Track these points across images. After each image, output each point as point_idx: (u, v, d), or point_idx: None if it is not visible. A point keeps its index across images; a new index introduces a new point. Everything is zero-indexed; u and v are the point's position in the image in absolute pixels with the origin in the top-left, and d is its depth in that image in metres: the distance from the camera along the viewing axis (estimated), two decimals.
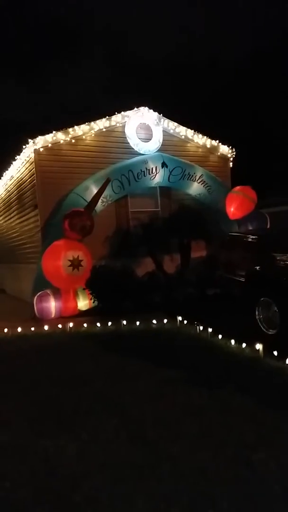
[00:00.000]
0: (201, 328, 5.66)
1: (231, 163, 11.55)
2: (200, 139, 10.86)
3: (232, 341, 4.96)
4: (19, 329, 6.58)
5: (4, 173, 11.19)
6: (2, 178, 11.70)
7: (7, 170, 10.84)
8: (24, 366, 4.82)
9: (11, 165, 10.28)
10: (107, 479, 2.43)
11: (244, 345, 4.80)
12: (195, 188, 10.20)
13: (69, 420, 3.24)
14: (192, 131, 10.69)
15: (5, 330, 6.63)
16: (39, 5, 45.54)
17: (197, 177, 10.10)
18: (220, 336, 5.23)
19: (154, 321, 6.40)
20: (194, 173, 10.07)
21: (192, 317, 6.18)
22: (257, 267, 5.55)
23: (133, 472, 2.48)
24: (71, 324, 6.58)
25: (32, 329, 6.64)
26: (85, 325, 6.62)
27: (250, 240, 6.31)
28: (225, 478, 2.37)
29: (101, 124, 9.48)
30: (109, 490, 2.32)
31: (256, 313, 5.46)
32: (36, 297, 7.68)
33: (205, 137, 10.93)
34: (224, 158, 11.42)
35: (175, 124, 10.45)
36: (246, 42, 43.79)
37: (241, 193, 9.80)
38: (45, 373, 4.47)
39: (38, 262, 8.21)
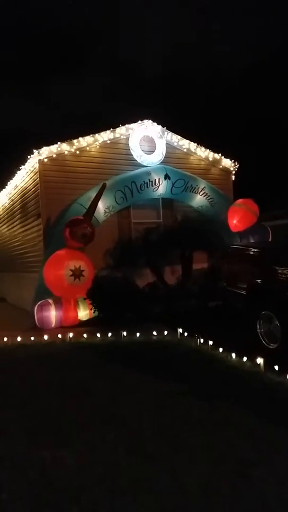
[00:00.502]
0: (202, 340, 5.64)
1: (233, 176, 11.66)
2: (203, 152, 10.99)
3: (233, 355, 4.93)
4: (19, 338, 6.56)
5: (9, 182, 11.32)
6: (6, 187, 11.83)
7: (12, 179, 10.96)
8: (23, 375, 4.79)
9: (16, 174, 10.40)
10: (106, 492, 2.40)
11: (245, 358, 4.77)
12: (198, 200, 10.28)
13: (67, 431, 3.21)
14: (195, 144, 10.83)
15: (5, 339, 6.62)
16: (44, 17, 46.62)
17: (200, 190, 10.19)
18: (221, 349, 5.20)
19: (155, 333, 6.38)
20: (197, 186, 10.16)
21: (192, 329, 6.16)
22: (259, 280, 5.55)
23: (132, 485, 2.45)
24: (71, 334, 6.56)
25: (32, 338, 6.63)
26: (85, 335, 6.60)
27: (252, 252, 6.33)
28: (224, 494, 2.34)
29: (105, 136, 9.62)
30: (108, 503, 2.29)
31: (258, 326, 5.43)
32: (36, 306, 7.68)
33: (208, 150, 11.07)
34: (226, 171, 11.54)
35: (178, 137, 10.59)
36: (247, 53, 44.54)
37: (243, 206, 9.85)
38: (44, 383, 4.44)
39: (39, 271, 8.23)
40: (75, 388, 4.21)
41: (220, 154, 11.26)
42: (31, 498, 2.38)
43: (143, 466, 2.65)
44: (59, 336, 6.66)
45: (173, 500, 2.30)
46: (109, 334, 6.47)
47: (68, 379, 4.54)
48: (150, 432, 3.13)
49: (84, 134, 9.42)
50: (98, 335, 6.52)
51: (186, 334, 6.15)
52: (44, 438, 3.12)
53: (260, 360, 4.50)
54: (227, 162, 11.41)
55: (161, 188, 9.74)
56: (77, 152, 9.34)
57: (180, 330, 6.22)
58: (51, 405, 3.76)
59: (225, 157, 11.36)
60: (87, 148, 9.48)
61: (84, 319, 7.80)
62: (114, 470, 2.63)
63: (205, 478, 2.49)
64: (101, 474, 2.59)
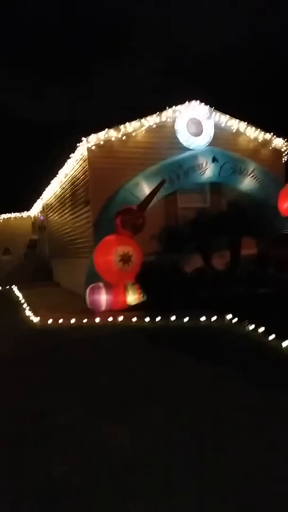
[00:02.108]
0: (251, 327, 5.56)
1: (285, 157, 11.08)
2: (253, 132, 10.54)
3: (285, 342, 4.82)
4: (73, 321, 6.91)
5: (60, 171, 11.72)
6: (57, 176, 12.27)
7: (62, 168, 11.33)
8: (77, 356, 5.07)
9: (66, 163, 10.74)
10: (160, 466, 2.52)
11: None
12: (247, 183, 9.94)
13: (122, 409, 3.38)
14: (245, 124, 10.40)
15: (60, 321, 7.01)
16: (86, 4, 46.52)
17: (249, 172, 9.84)
18: (271, 337, 5.11)
19: (203, 318, 6.39)
20: (246, 168, 9.81)
21: (241, 315, 6.09)
22: None
23: (185, 462, 2.55)
24: (121, 318, 6.78)
25: (85, 320, 6.95)
26: (134, 319, 6.79)
27: None
28: (280, 477, 2.36)
29: (151, 120, 9.56)
30: (163, 477, 2.41)
31: None
32: (88, 289, 8.00)
33: (258, 130, 10.58)
34: (277, 151, 11.00)
35: (227, 117, 10.24)
36: None
37: None
38: (97, 363, 4.68)
39: (90, 256, 8.53)
40: (127, 369, 4.39)
41: (271, 134, 10.72)
42: (90, 470, 2.56)
43: (196, 445, 2.74)
44: (110, 319, 6.91)
45: (225, 478, 2.36)
46: (158, 319, 6.60)
47: (120, 360, 4.74)
48: (202, 413, 3.21)
49: (130, 119, 9.45)
50: (147, 319, 6.68)
51: (234, 320, 6.10)
52: (100, 413, 3.32)
53: None
54: (278, 142, 10.85)
55: (209, 171, 9.54)
56: (124, 138, 9.40)
57: (229, 316, 6.17)
58: (105, 384, 3.97)
59: (276, 137, 10.80)
60: (133, 134, 9.51)
61: (133, 303, 7.99)
62: (167, 447, 2.75)
63: (258, 460, 2.53)
64: (155, 449, 2.72)
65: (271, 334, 5.14)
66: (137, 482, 2.38)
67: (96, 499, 2.26)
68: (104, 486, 2.37)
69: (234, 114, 10.34)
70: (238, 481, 2.33)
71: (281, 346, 4.81)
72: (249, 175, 9.86)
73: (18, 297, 11.00)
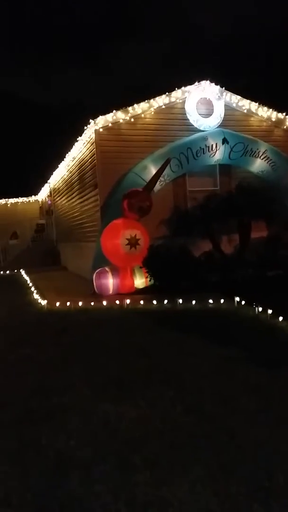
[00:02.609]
0: (260, 309, 5.49)
1: None
2: (265, 112, 10.24)
3: None
4: (80, 304, 6.92)
5: (67, 154, 11.59)
6: (65, 159, 12.15)
7: (70, 151, 11.20)
8: (85, 337, 5.08)
9: (73, 146, 10.60)
10: (165, 445, 2.51)
11: None
12: (258, 165, 9.72)
13: (128, 388, 3.38)
14: (256, 104, 10.10)
15: (68, 303, 7.03)
16: None
17: (261, 153, 9.61)
18: (280, 318, 5.04)
19: (211, 301, 6.34)
20: (257, 149, 9.58)
21: (250, 298, 6.02)
22: None
23: (190, 440, 2.53)
24: (128, 301, 6.77)
25: (92, 303, 6.96)
26: (141, 302, 6.77)
27: None
28: (283, 453, 2.33)
29: (160, 101, 9.35)
30: (167, 455, 2.40)
31: None
32: (95, 273, 7.99)
33: (271, 109, 10.27)
34: None
35: (238, 97, 9.95)
36: None
37: None
38: (104, 345, 4.68)
39: (97, 240, 8.49)
40: (133, 350, 4.38)
41: (284, 114, 10.40)
42: (97, 445, 2.57)
43: (201, 424, 2.72)
44: (117, 302, 6.90)
45: (230, 457, 2.34)
46: (165, 302, 6.57)
47: (126, 342, 4.73)
48: (208, 393, 3.18)
49: (139, 101, 9.24)
50: (154, 302, 6.65)
51: (243, 303, 6.03)
52: (107, 393, 3.32)
53: None
54: None
55: (219, 153, 9.33)
56: (132, 120, 9.22)
57: (237, 299, 6.11)
58: (112, 365, 3.97)
59: None
60: (142, 115, 9.31)
61: (140, 287, 7.97)
62: (173, 426, 2.73)
63: (262, 438, 2.50)
64: (160, 429, 2.71)
65: (279, 316, 5.08)
66: (141, 458, 2.37)
67: (102, 471, 2.26)
68: (110, 461, 2.36)
69: (245, 95, 10.04)
70: (241, 458, 2.31)
71: None
72: (261, 156, 9.63)
73: (26, 281, 11.07)
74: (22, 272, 13.55)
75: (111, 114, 9.02)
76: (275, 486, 2.08)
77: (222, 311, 5.95)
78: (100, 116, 8.94)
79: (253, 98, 10.15)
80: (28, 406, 3.18)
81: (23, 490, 2.18)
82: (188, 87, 9.53)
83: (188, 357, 4.05)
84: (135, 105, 9.19)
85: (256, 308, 5.55)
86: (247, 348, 4.19)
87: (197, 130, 9.53)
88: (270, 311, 5.28)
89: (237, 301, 6.09)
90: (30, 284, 10.11)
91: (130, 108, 9.16)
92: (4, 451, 2.57)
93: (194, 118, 9.55)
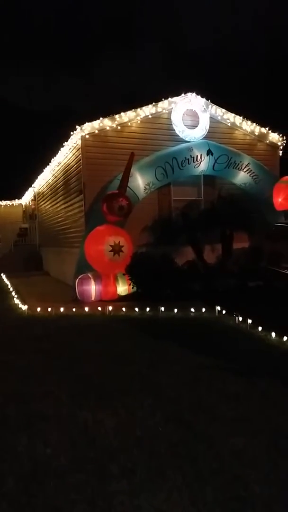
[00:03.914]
0: (241, 319, 5.58)
1: (280, 152, 11.07)
2: (249, 126, 10.51)
3: (273, 334, 4.85)
4: (62, 309, 6.85)
5: (52, 159, 11.55)
6: (50, 164, 12.09)
7: (55, 156, 11.17)
8: (66, 343, 5.03)
9: (59, 151, 10.58)
10: (143, 453, 2.50)
11: (285, 338, 4.68)
12: (241, 177, 9.93)
13: (107, 396, 3.36)
14: (241, 117, 10.36)
15: (49, 309, 6.94)
16: None
17: (244, 166, 9.82)
18: (260, 328, 5.13)
19: (193, 309, 6.39)
20: (241, 162, 9.80)
21: (231, 307, 6.10)
22: None
23: (168, 449, 2.54)
24: (110, 308, 6.75)
25: (74, 310, 6.90)
26: (123, 309, 6.76)
27: None
28: (259, 463, 2.36)
29: (147, 110, 9.46)
30: (145, 464, 2.40)
31: None
32: (77, 280, 7.94)
33: (254, 124, 10.56)
34: (273, 146, 10.99)
35: (223, 110, 10.18)
36: None
37: None
38: (86, 351, 4.65)
39: (81, 246, 8.46)
40: (114, 357, 4.37)
41: (267, 128, 10.70)
42: (73, 454, 2.54)
43: (180, 433, 2.73)
44: (99, 309, 6.87)
45: (208, 465, 2.36)
46: (147, 309, 6.58)
47: (107, 348, 4.71)
48: (187, 402, 3.20)
49: (126, 109, 9.32)
50: (137, 309, 6.66)
51: (224, 312, 6.11)
52: (86, 400, 3.29)
53: None
54: (274, 137, 10.84)
55: (203, 164, 9.49)
56: (119, 127, 9.29)
57: (219, 308, 6.18)
58: (92, 372, 3.94)
59: (272, 131, 10.78)
60: (129, 124, 9.40)
61: (123, 294, 7.96)
62: (152, 434, 2.73)
63: (240, 447, 2.53)
64: (139, 437, 2.70)
65: (259, 326, 5.17)
66: (118, 467, 2.36)
67: (78, 480, 2.24)
68: (87, 470, 2.34)
69: (230, 108, 10.29)
70: (218, 466, 2.33)
71: (269, 337, 4.83)
72: (244, 169, 9.85)
73: (7, 285, 10.88)
74: (3, 276, 13.31)
75: (97, 121, 9.07)
76: (251, 495, 2.10)
77: (204, 319, 6.00)
78: (87, 123, 8.97)
79: (237, 112, 10.41)
80: (4, 413, 3.12)
81: None
82: (175, 98, 9.70)
83: (168, 365, 4.06)
84: (122, 113, 9.27)
85: (237, 318, 5.63)
86: (227, 357, 4.24)
87: (183, 141, 9.68)
88: (250, 321, 5.37)
89: (218, 310, 6.17)
90: (11, 289, 9.94)
91: (117, 116, 9.23)
92: None
93: (180, 129, 9.70)
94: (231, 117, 10.28)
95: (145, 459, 2.44)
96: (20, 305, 7.62)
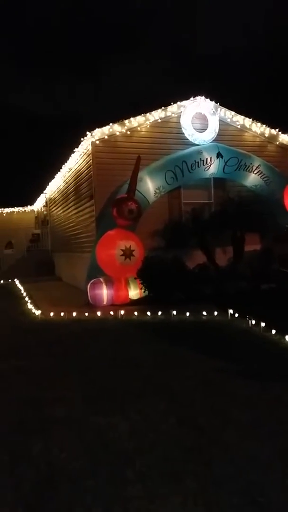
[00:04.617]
0: (253, 322, 5.53)
1: None
2: (259, 128, 10.46)
3: (287, 337, 4.79)
4: (74, 314, 6.91)
5: (63, 165, 11.69)
6: (61, 170, 12.24)
7: (66, 162, 11.31)
8: (78, 348, 5.07)
9: (70, 157, 10.71)
10: (158, 458, 2.51)
11: None
12: (252, 179, 9.88)
13: (121, 400, 3.37)
14: (250, 120, 10.34)
15: (62, 314, 7.01)
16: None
17: (254, 168, 9.78)
18: (273, 331, 5.08)
19: (204, 313, 6.37)
20: (251, 164, 9.75)
21: (244, 310, 6.06)
22: None
23: (183, 453, 2.54)
24: (122, 312, 6.77)
25: (86, 314, 6.95)
26: (135, 313, 6.78)
27: None
28: (275, 468, 2.34)
29: (156, 115, 9.52)
30: (160, 468, 2.40)
31: None
32: (89, 284, 8.00)
33: (264, 125, 10.51)
34: (284, 147, 10.92)
35: (232, 113, 10.17)
36: None
37: None
38: (98, 355, 4.67)
39: (92, 250, 8.52)
40: (127, 361, 4.38)
41: (277, 130, 10.63)
42: (88, 458, 2.56)
43: (193, 437, 2.72)
44: (111, 313, 6.91)
45: (223, 470, 2.35)
46: (159, 313, 6.58)
47: (120, 353, 4.73)
48: (200, 406, 3.19)
49: (135, 114, 9.40)
50: (148, 313, 6.67)
51: (237, 315, 6.07)
52: (99, 404, 3.31)
53: None
54: (285, 138, 10.77)
55: (213, 167, 9.48)
56: (128, 132, 9.36)
57: (231, 311, 6.14)
58: (105, 376, 3.96)
59: (282, 133, 10.71)
60: (138, 128, 9.46)
61: (135, 298, 7.98)
62: (166, 438, 2.73)
63: (255, 452, 2.51)
64: (153, 441, 2.70)
65: (272, 329, 5.12)
66: (133, 471, 2.37)
67: (93, 484, 2.25)
68: (102, 474, 2.36)
69: (239, 111, 10.27)
70: (233, 471, 2.31)
71: (283, 341, 4.78)
72: (254, 171, 9.80)
73: (20, 291, 11.02)
74: (17, 281, 13.49)
75: (107, 127, 9.16)
76: (267, 501, 2.08)
77: (216, 323, 5.98)
78: (97, 129, 9.07)
79: (247, 114, 10.39)
80: (19, 417, 3.16)
81: (15, 502, 2.16)
82: (184, 102, 9.73)
83: (181, 369, 4.06)
84: (131, 118, 9.35)
85: (250, 321, 5.59)
86: (240, 360, 4.21)
87: (192, 144, 9.69)
88: (263, 324, 5.32)
89: (230, 314, 6.13)
90: (24, 294, 10.06)
91: (126, 121, 9.31)
92: None
93: (189, 132, 9.72)
94: (240, 119, 10.26)
95: (160, 464, 2.44)
96: (34, 310, 7.71)
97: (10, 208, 20.46)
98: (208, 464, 2.41)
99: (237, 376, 3.76)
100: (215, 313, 6.36)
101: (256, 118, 10.43)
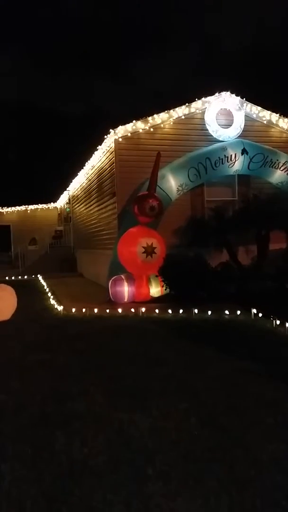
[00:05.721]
0: (278, 322, 5.40)
1: None
2: (286, 124, 10.18)
3: None
4: (96, 311, 6.96)
5: (86, 163, 11.78)
6: (84, 167, 12.34)
7: (89, 160, 11.39)
8: (100, 344, 5.10)
9: (93, 155, 10.77)
10: (179, 456, 2.48)
11: None
12: (278, 176, 9.64)
13: (142, 397, 3.36)
14: (277, 115, 10.06)
15: (83, 310, 7.08)
16: None
17: (281, 164, 9.54)
18: None
19: (227, 312, 6.27)
20: (277, 160, 9.51)
21: (268, 310, 5.92)
22: None
23: (204, 453, 2.50)
24: (143, 309, 6.76)
25: (107, 311, 6.98)
26: (157, 311, 6.75)
27: None
28: None
29: (180, 111, 9.42)
30: (181, 467, 2.37)
31: None
32: (110, 281, 8.03)
33: None
34: None
35: (259, 108, 9.93)
36: None
37: None
38: (120, 352, 4.68)
39: (114, 248, 8.55)
40: (148, 358, 4.37)
41: None
42: (110, 453, 2.56)
43: (216, 437, 2.68)
44: (132, 310, 6.91)
45: (246, 471, 2.29)
46: (181, 311, 6.53)
47: (141, 350, 4.72)
48: (223, 406, 3.14)
49: (159, 111, 9.34)
50: (170, 311, 6.63)
51: (260, 315, 5.94)
52: (120, 401, 3.31)
53: None
54: None
55: (237, 164, 9.31)
56: (151, 129, 9.32)
57: (255, 311, 6.02)
58: (126, 373, 3.96)
59: None
60: (162, 125, 9.40)
61: (156, 295, 7.96)
62: (187, 437, 2.70)
63: (279, 454, 2.44)
64: (174, 440, 2.68)
65: None
66: (154, 469, 2.35)
67: (115, 480, 2.25)
68: (123, 470, 2.35)
69: (265, 106, 10.03)
70: (257, 473, 2.25)
71: None
72: (281, 167, 9.56)
73: (43, 286, 11.21)
74: (40, 277, 13.74)
75: (130, 124, 9.15)
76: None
77: (239, 322, 5.87)
78: (120, 126, 9.07)
79: (274, 109, 10.12)
80: (42, 411, 3.21)
81: (37, 495, 2.19)
82: (208, 98, 9.59)
83: (203, 368, 4.01)
84: (155, 115, 9.29)
85: (274, 321, 5.46)
86: (264, 361, 4.12)
87: (216, 141, 9.54)
88: None
89: (254, 313, 6.01)
90: (47, 290, 10.23)
91: (149, 118, 9.26)
92: (19, 455, 2.59)
93: (214, 128, 9.57)
94: (267, 115, 10.01)
95: (181, 462, 2.41)
96: (56, 306, 7.82)
97: (34, 205, 20.85)
98: (231, 465, 2.36)
99: (261, 377, 3.67)
100: (238, 312, 6.25)
101: (283, 113, 10.15)
